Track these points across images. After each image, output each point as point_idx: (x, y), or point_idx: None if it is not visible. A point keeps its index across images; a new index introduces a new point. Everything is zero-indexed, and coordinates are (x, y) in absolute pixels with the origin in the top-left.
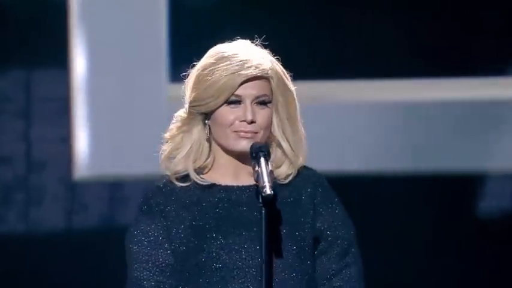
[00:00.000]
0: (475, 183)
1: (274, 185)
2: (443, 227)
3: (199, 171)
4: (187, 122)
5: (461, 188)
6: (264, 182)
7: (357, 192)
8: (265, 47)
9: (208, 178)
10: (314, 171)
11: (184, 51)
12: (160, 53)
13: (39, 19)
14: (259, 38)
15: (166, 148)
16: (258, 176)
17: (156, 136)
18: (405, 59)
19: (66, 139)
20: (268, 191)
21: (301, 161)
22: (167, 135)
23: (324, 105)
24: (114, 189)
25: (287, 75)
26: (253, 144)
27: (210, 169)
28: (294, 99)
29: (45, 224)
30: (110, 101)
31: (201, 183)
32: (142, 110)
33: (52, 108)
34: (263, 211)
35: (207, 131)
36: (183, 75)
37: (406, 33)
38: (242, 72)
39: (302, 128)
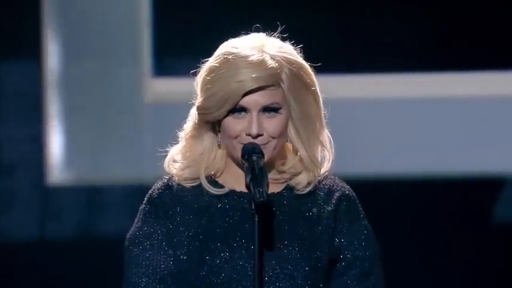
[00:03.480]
0: (492, 187)
1: (293, 196)
2: (458, 232)
3: (212, 175)
4: (198, 126)
5: (478, 192)
6: (257, 186)
7: (367, 196)
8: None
9: (222, 181)
10: (341, 182)
11: (170, 40)
12: (143, 43)
13: (10, 5)
14: (253, 29)
15: (175, 151)
16: (250, 180)
17: (138, 137)
18: (417, 54)
19: (38, 139)
20: (261, 195)
21: (323, 170)
22: (182, 134)
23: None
24: (91, 194)
25: (308, 73)
26: (245, 145)
27: (222, 172)
28: (316, 101)
29: (16, 233)
30: (86, 97)
31: (214, 192)
32: (123, 107)
33: (22, 104)
34: (256, 218)
35: (219, 137)
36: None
37: (418, 27)
38: (246, 82)
39: (327, 132)
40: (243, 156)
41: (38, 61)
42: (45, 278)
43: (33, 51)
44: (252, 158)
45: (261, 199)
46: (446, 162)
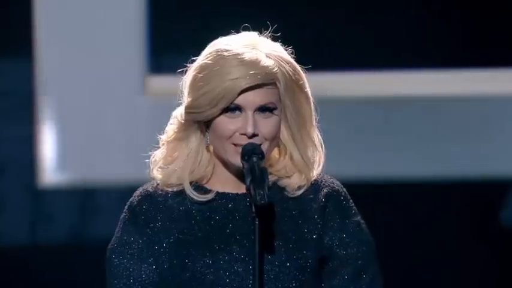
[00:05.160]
0: (502, 190)
1: (279, 196)
2: (468, 235)
3: (198, 180)
4: (184, 128)
5: (488, 194)
6: (257, 189)
7: (375, 198)
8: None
9: (210, 187)
10: (331, 179)
11: (167, 37)
12: (139, 40)
13: (2, 3)
14: (250, 26)
15: (159, 155)
16: (250, 182)
17: (134, 137)
18: (415, 51)
19: (29, 139)
20: (262, 198)
21: (315, 172)
22: (164, 138)
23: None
24: (84, 197)
25: (300, 74)
26: (245, 145)
27: (209, 179)
28: (308, 101)
29: (6, 237)
30: (80, 96)
31: (198, 199)
32: (117, 106)
33: (13, 103)
34: (256, 222)
35: (206, 139)
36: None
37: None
38: (242, 79)
39: (318, 134)
40: (242, 157)
41: (29, 59)
42: (36, 282)
43: (25, 49)
44: (252, 159)
45: (262, 202)
46: (450, 163)
